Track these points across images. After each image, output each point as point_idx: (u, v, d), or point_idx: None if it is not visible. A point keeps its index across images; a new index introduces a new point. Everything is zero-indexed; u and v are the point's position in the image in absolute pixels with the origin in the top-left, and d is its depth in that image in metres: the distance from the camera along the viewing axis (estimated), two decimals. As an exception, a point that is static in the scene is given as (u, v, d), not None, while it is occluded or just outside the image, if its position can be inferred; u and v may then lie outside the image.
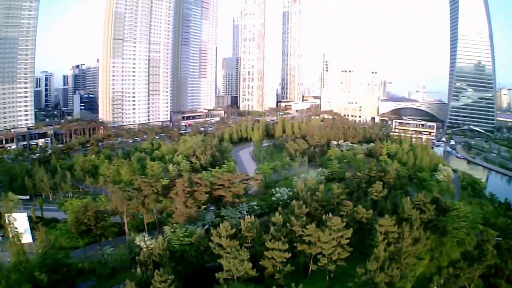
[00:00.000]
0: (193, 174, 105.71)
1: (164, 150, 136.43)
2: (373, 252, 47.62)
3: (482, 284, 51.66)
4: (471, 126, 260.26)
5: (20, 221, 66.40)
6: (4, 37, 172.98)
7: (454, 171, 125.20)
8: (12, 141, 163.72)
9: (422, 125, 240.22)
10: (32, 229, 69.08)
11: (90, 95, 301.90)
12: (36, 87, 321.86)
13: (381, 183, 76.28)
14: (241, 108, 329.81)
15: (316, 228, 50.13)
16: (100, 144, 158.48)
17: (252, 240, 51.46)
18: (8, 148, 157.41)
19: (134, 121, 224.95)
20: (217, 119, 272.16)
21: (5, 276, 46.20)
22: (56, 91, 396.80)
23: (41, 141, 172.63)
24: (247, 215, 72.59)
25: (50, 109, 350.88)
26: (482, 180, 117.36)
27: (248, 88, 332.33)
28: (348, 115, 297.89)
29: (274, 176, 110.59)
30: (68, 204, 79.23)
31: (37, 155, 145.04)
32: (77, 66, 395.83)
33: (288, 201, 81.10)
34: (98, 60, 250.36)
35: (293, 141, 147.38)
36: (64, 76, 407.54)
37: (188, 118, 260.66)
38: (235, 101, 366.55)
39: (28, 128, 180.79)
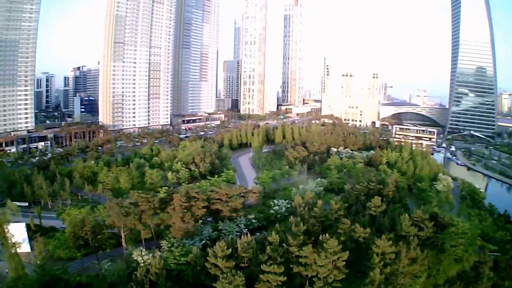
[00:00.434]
0: (192, 184, 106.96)
1: (164, 157, 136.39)
2: (368, 275, 47.35)
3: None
4: (472, 132, 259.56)
5: (18, 231, 66.47)
6: (5, 39, 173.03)
7: (454, 179, 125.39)
8: (12, 144, 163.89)
9: (423, 130, 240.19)
10: (30, 238, 69.07)
11: (90, 98, 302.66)
12: (37, 88, 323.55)
13: (380, 198, 75.96)
14: (242, 112, 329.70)
15: (313, 249, 49.90)
16: (99, 148, 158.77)
17: (249, 260, 51.29)
18: (8, 151, 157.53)
19: (134, 124, 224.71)
20: (218, 122, 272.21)
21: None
22: (57, 92, 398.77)
23: (41, 144, 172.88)
24: (245, 229, 73.03)
25: (50, 110, 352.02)
26: (481, 191, 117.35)
27: (248, 92, 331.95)
28: (348, 120, 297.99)
29: (273, 185, 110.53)
30: (66, 215, 79.65)
31: (36, 159, 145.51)
32: (78, 68, 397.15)
33: (286, 214, 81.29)
34: (98, 62, 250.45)
35: (292, 148, 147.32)
36: (65, 77, 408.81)
37: (188, 121, 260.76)
38: (235, 104, 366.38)
39: (28, 131, 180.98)
